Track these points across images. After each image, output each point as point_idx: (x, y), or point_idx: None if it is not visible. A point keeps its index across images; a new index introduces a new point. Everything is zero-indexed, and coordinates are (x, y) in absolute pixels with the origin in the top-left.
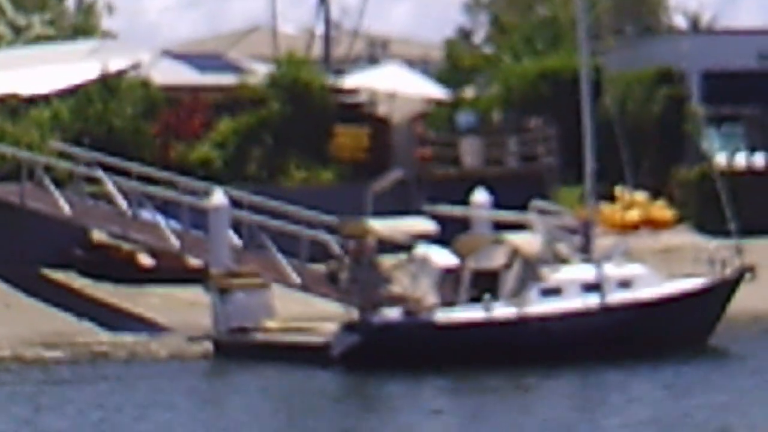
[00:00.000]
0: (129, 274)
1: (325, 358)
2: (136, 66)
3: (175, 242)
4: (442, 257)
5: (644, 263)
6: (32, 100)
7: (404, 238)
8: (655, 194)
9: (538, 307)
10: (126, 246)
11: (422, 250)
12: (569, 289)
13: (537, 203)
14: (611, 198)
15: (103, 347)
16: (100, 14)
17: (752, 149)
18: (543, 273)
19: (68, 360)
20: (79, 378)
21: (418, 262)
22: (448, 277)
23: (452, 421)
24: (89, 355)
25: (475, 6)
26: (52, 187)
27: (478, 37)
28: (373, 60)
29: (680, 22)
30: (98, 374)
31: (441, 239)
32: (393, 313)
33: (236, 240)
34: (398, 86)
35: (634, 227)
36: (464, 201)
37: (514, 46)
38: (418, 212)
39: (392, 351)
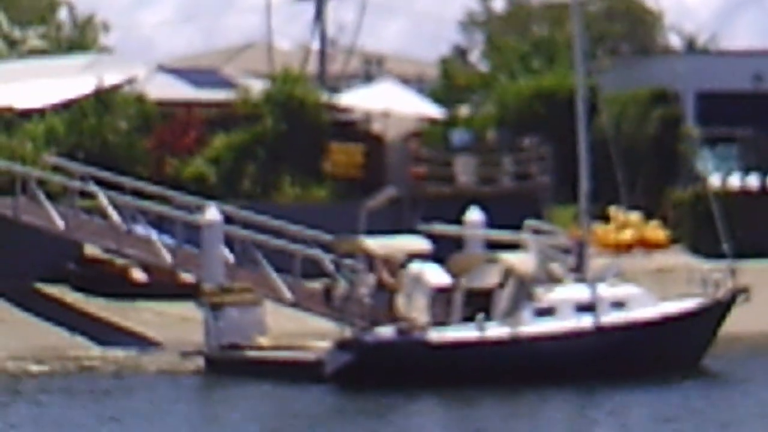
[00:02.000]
0: (122, 289)
1: (317, 375)
2: (131, 81)
3: (168, 257)
4: (436, 276)
5: (637, 284)
6: (27, 114)
7: (399, 256)
8: (649, 215)
9: (532, 327)
10: (119, 261)
11: (416, 268)
12: (563, 309)
13: (531, 223)
14: (605, 218)
15: (94, 362)
16: (97, 29)
17: (746, 170)
18: (537, 293)
19: (58, 374)
20: (64, 391)
21: (412, 280)
22: (441, 296)
23: None
24: (79, 370)
25: (470, 24)
26: (45, 201)
27: (474, 55)
28: (368, 77)
29: (676, 42)
30: (86, 388)
31: (435, 258)
32: (386, 332)
33: (229, 256)
34: (393, 104)
35: (628, 248)
36: (458, 219)
37: (509, 65)
38: (412, 230)
39: (385, 370)
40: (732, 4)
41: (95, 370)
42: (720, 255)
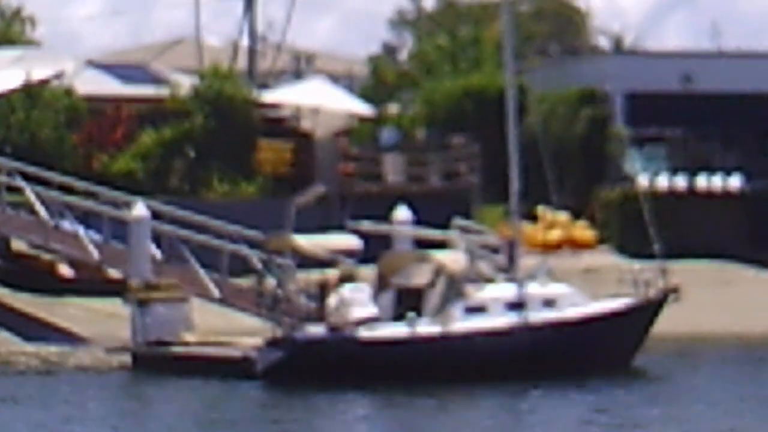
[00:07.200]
0: (48, 284)
1: (244, 372)
2: (59, 75)
3: (94, 253)
4: (358, 310)
5: (567, 283)
6: None
7: (327, 254)
8: (577, 214)
9: (462, 324)
10: (46, 256)
11: (345, 293)
12: (493, 307)
13: (459, 221)
14: (533, 218)
15: (19, 357)
16: (24, 23)
17: (674, 171)
18: (467, 291)
19: None
20: None
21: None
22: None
23: None
24: (4, 365)
25: (400, 23)
26: None
27: (403, 53)
28: (297, 74)
29: (604, 43)
30: (10, 384)
31: (362, 256)
32: (317, 329)
33: (157, 252)
34: (322, 101)
35: (556, 247)
36: (386, 217)
37: (436, 64)
38: (340, 228)
39: (316, 367)
40: (662, 5)
41: (21, 366)
42: (647, 255)
